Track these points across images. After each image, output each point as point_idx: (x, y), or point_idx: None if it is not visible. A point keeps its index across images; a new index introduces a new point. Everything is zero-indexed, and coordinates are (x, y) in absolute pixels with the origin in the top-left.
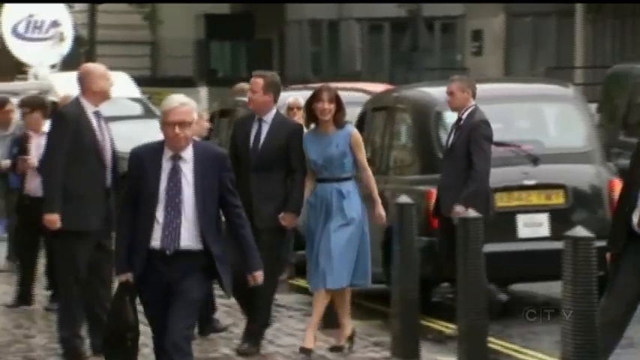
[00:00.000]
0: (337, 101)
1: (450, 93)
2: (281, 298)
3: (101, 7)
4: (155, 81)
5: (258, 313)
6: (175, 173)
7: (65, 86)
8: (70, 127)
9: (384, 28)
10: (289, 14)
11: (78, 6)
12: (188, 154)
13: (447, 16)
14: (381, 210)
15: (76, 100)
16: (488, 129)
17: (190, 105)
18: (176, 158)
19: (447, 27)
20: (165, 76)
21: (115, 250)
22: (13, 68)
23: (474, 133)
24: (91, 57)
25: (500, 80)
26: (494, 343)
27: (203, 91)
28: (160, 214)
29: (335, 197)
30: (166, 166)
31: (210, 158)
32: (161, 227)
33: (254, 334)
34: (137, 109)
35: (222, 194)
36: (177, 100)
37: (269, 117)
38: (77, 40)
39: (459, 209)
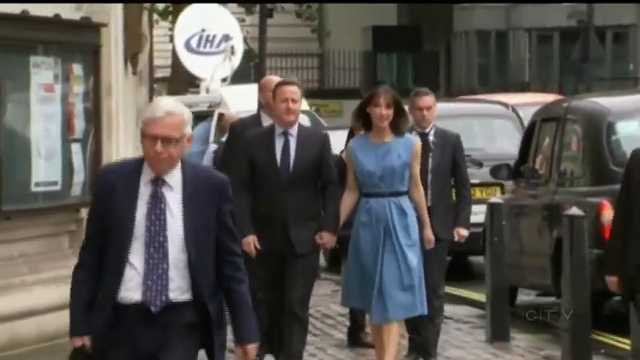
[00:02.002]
0: (396, 106)
1: (429, 108)
2: (449, 309)
3: (270, 20)
4: (322, 93)
5: (294, 341)
6: (157, 202)
7: (235, 99)
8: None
9: (553, 38)
10: (456, 25)
11: (248, 20)
12: (175, 178)
13: (619, 25)
14: (430, 233)
15: (257, 115)
16: None
17: (181, 115)
18: (158, 183)
19: (619, 36)
20: (332, 88)
21: (69, 304)
22: (186, 82)
23: (460, 152)
24: (260, 70)
25: None
26: None
27: None
28: (135, 257)
29: (396, 214)
30: (145, 192)
31: (206, 185)
32: (140, 275)
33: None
34: (305, 121)
35: (218, 235)
36: (164, 106)
37: (294, 129)
38: (247, 54)
39: (464, 232)
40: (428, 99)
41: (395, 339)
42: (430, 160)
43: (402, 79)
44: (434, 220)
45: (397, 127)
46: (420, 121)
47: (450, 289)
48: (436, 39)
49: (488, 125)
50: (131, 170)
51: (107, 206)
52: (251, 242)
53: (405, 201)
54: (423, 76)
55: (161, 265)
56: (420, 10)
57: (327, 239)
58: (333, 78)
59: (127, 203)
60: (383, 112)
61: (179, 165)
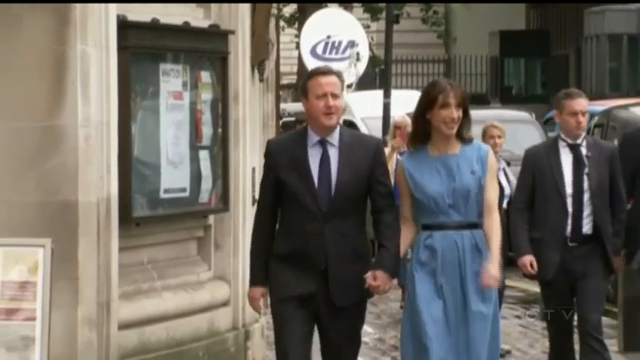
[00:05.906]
0: (465, 105)
1: (584, 112)
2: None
3: (396, 26)
4: None
5: None
6: None
7: (360, 106)
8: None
9: None
10: (587, 29)
11: (374, 26)
12: None
13: None
14: (494, 270)
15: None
16: None
17: None
18: None
19: None
20: None
21: None
22: None
23: (618, 165)
24: (385, 76)
25: None
26: None
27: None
28: None
29: (470, 254)
30: None
31: None
32: None
33: None
34: None
35: None
36: None
37: (335, 136)
38: (372, 60)
39: (621, 262)
40: (584, 101)
41: None
42: (586, 177)
43: (530, 84)
44: (609, 253)
45: (463, 132)
46: (573, 129)
47: None
48: (565, 43)
49: (514, 130)
50: None
51: None
52: (257, 297)
53: (480, 236)
54: (552, 82)
55: None
56: (549, 15)
57: (382, 281)
58: (459, 84)
59: None
60: (454, 114)
61: None
